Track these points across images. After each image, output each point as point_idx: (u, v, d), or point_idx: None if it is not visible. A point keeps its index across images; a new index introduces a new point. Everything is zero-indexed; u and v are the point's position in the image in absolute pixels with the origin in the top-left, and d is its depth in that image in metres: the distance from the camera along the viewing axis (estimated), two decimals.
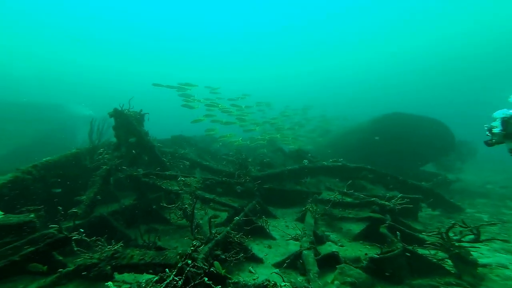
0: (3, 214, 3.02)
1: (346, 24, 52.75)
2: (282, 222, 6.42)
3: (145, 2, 50.47)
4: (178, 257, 2.88)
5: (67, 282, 2.76)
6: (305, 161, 8.09)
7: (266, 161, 8.76)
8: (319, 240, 5.03)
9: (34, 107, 18.89)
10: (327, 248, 4.89)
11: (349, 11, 50.53)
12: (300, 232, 5.29)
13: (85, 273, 2.88)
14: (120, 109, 7.19)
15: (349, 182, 6.80)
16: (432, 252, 4.27)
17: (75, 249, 3.01)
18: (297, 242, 5.15)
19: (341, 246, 5.08)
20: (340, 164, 7.67)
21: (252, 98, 16.13)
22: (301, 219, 6.23)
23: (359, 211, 6.05)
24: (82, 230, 3.14)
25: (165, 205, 4.84)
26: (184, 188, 5.31)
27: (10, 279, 2.58)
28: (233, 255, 3.95)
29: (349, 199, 6.45)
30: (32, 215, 3.20)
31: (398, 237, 4.23)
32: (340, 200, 6.30)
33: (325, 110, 21.51)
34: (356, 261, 4.29)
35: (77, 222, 3.86)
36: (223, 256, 3.83)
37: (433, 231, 4.48)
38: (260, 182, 7.19)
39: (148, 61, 61.34)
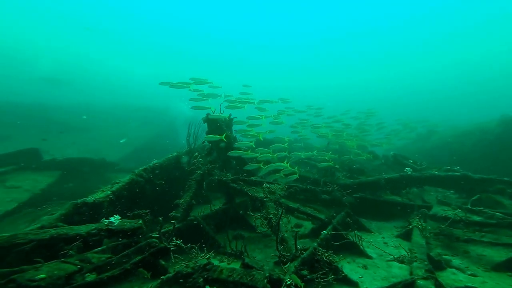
0: (120, 219, 3.57)
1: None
2: (378, 238, 5.51)
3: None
4: (265, 281, 2.74)
5: None
6: (408, 169, 6.67)
7: (356, 167, 7.72)
8: (435, 265, 4.02)
9: (149, 110, 23.11)
10: (451, 276, 3.86)
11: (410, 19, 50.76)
12: (405, 253, 4.39)
13: (181, 280, 3.07)
14: (212, 114, 7.27)
15: (476, 197, 5.19)
16: None
17: (173, 260, 3.27)
18: (403, 265, 4.26)
19: (473, 275, 3.90)
20: (458, 174, 6.01)
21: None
22: (405, 236, 5.21)
23: (495, 234, 4.55)
24: (179, 242, 3.38)
25: (251, 213, 4.82)
26: (269, 196, 5.19)
27: (127, 280, 3.02)
28: (321, 276, 3.53)
29: (476, 218, 4.92)
30: (140, 221, 3.67)
31: None
32: (463, 217, 4.88)
33: (397, 116, 16.84)
34: None
35: (176, 226, 4.26)
36: (310, 277, 3.47)
37: None
38: (350, 191, 6.37)
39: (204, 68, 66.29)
